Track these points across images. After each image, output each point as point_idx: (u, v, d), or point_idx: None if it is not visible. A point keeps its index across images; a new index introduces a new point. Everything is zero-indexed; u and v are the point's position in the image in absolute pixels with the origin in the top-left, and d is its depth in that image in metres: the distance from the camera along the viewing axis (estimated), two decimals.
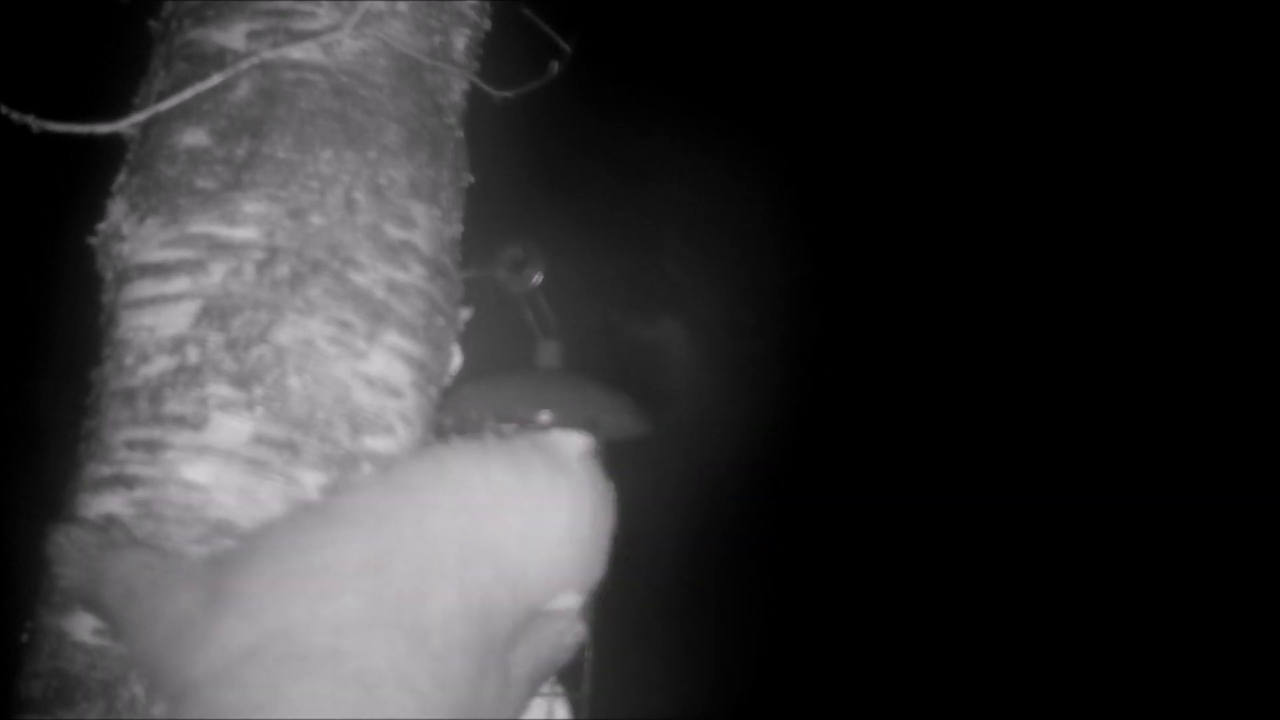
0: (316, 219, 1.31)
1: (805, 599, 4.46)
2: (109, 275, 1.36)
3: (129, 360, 1.29)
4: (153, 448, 1.25)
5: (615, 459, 1.61)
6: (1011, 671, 4.55)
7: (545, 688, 1.46)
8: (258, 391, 1.26)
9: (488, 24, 1.52)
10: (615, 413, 1.62)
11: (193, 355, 1.27)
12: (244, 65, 1.33)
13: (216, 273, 1.28)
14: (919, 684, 4.57)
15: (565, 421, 1.61)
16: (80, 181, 1.45)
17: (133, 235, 1.33)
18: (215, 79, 1.32)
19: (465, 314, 1.46)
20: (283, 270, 1.28)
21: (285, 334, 1.28)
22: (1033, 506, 4.66)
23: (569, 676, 1.45)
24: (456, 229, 1.45)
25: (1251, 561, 4.45)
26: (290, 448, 1.26)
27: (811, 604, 4.43)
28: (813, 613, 4.44)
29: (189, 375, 1.26)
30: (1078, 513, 4.67)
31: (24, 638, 1.29)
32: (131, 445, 1.26)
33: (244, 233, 1.29)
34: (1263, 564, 4.40)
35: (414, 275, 1.36)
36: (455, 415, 1.56)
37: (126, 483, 1.25)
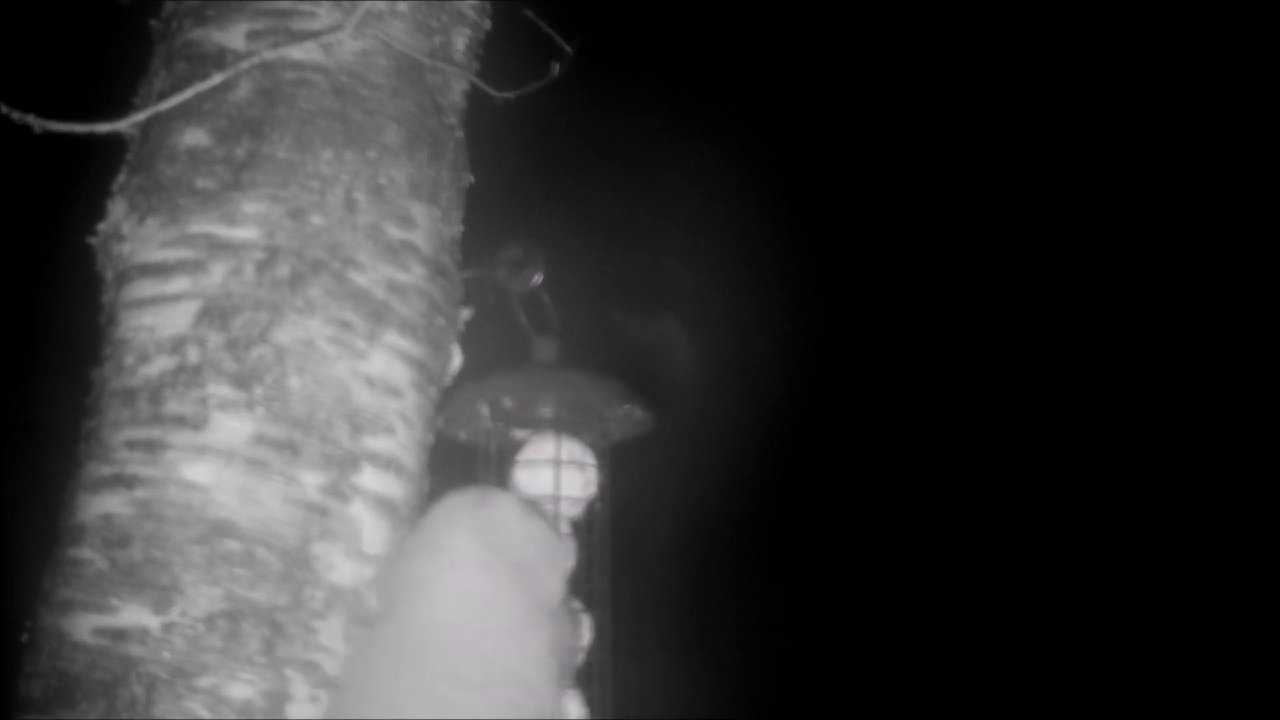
0: (316, 219, 1.31)
1: (806, 599, 4.45)
2: (109, 275, 1.36)
3: (129, 360, 1.29)
4: (153, 448, 1.25)
5: (617, 460, 1.61)
6: (1021, 673, 4.54)
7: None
8: (258, 391, 1.26)
9: (488, 24, 1.53)
10: (618, 405, 1.60)
11: (193, 355, 1.27)
12: (244, 65, 1.33)
13: (216, 273, 1.29)
14: (933, 682, 4.56)
15: (568, 414, 1.59)
16: (80, 181, 1.45)
17: (133, 235, 1.33)
18: (215, 79, 1.32)
19: (465, 314, 1.46)
20: (283, 270, 1.29)
21: (285, 334, 1.28)
22: (1035, 505, 4.66)
23: (581, 673, 1.45)
24: (456, 229, 1.45)
25: None
26: (290, 448, 1.26)
27: (813, 604, 4.42)
28: (812, 612, 4.43)
29: (189, 375, 1.26)
30: (1086, 509, 4.67)
31: (24, 638, 1.29)
32: (131, 445, 1.26)
33: (244, 233, 1.30)
34: None
35: (414, 275, 1.36)
36: (454, 414, 1.56)
37: (126, 483, 1.25)
